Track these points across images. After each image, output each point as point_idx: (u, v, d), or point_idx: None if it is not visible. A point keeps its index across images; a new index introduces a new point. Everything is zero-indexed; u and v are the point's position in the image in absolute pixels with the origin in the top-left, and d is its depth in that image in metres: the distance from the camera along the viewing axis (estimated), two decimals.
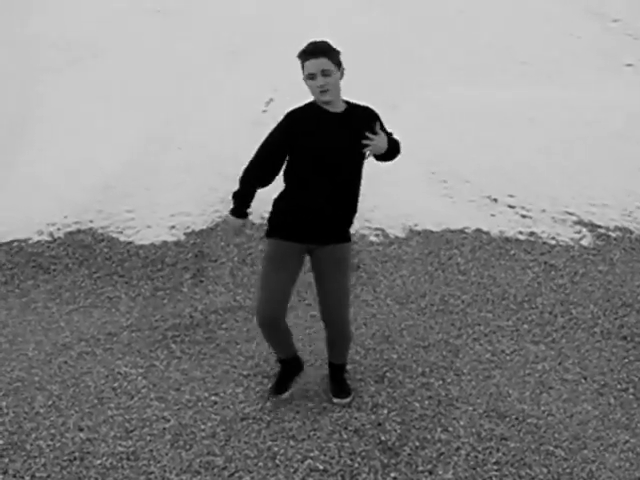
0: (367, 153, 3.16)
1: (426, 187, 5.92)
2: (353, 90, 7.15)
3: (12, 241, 5.32)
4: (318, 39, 3.09)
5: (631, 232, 5.42)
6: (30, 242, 5.28)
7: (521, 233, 5.39)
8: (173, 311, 4.56)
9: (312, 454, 3.11)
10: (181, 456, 3.08)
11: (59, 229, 5.40)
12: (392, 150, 3.28)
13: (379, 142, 3.10)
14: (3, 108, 6.72)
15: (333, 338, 3.45)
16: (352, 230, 5.31)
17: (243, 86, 7.01)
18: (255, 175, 3.19)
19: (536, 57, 7.85)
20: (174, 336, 4.23)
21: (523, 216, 5.57)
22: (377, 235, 5.36)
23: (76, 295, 4.82)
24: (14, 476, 2.94)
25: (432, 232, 5.40)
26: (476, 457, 3.13)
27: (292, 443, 3.19)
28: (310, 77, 3.03)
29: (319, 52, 3.00)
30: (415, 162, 6.11)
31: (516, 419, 3.42)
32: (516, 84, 7.29)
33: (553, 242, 5.29)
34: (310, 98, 3.17)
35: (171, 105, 6.68)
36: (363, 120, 3.14)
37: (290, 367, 3.53)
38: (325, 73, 3.01)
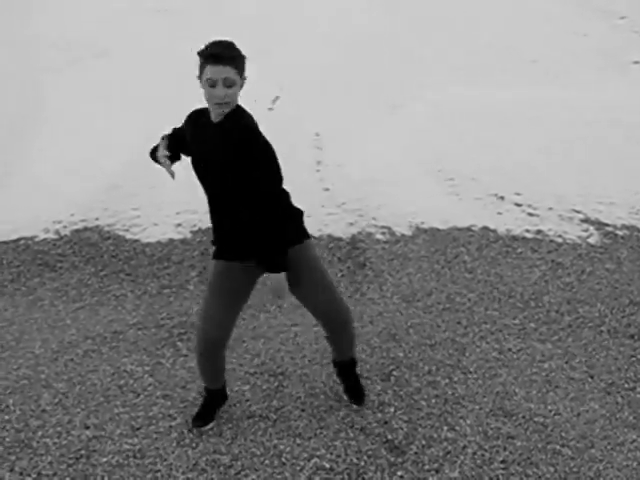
0: None
1: (432, 185, 5.91)
2: (354, 89, 7.17)
3: (18, 239, 5.33)
4: (225, 39, 2.72)
5: (638, 230, 5.39)
6: (36, 240, 5.29)
7: (528, 231, 5.37)
8: (179, 309, 4.56)
9: (318, 453, 3.10)
10: (187, 454, 3.09)
11: (65, 227, 5.41)
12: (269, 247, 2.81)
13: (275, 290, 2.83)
14: (4, 108, 6.73)
15: (330, 332, 3.20)
16: (358, 228, 5.37)
17: (246, 85, 7.01)
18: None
19: (537, 56, 7.83)
20: (180, 334, 4.23)
21: (530, 214, 5.55)
22: (383, 233, 5.35)
23: (82, 293, 4.82)
24: (20, 474, 2.95)
25: (438, 230, 5.38)
26: (482, 456, 3.12)
27: (298, 441, 3.18)
28: (210, 84, 2.64)
29: (227, 59, 2.62)
30: (419, 160, 6.10)
31: (523, 418, 3.41)
32: (517, 84, 7.27)
33: (560, 240, 5.27)
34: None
35: (173, 104, 6.67)
36: (237, 140, 2.71)
37: (216, 397, 3.32)
38: (228, 83, 2.64)
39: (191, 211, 5.53)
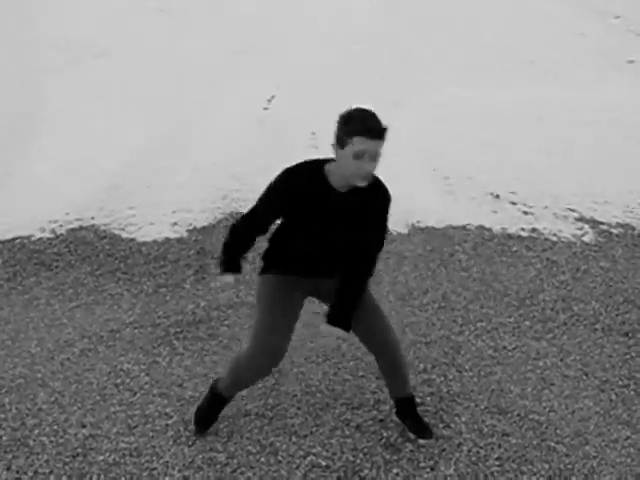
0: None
1: (428, 184, 5.93)
2: (354, 89, 7.19)
3: (14, 238, 5.33)
4: (368, 109, 2.61)
5: (633, 228, 5.42)
6: (32, 239, 5.29)
7: (523, 230, 5.39)
8: (175, 308, 4.56)
9: (314, 450, 3.12)
10: (183, 452, 3.10)
11: (61, 226, 5.41)
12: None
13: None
14: (4, 108, 6.73)
15: (387, 366, 3.11)
16: None
17: (245, 84, 7.02)
18: (244, 231, 2.94)
19: (537, 56, 7.87)
20: (176, 333, 4.24)
21: (525, 213, 5.57)
22: None
23: (78, 292, 4.82)
24: (17, 472, 2.96)
25: (434, 229, 5.40)
26: (478, 453, 3.14)
27: (294, 439, 3.20)
28: (357, 156, 2.55)
29: (382, 134, 2.56)
30: (417, 159, 6.12)
31: (518, 415, 3.43)
32: (516, 83, 7.30)
33: (555, 239, 5.30)
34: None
35: (172, 104, 6.69)
36: (369, 201, 2.76)
37: (222, 405, 3.25)
38: (374, 157, 2.57)
39: (187, 210, 5.54)
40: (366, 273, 2.86)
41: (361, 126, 2.53)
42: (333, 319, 2.86)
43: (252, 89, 6.99)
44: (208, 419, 3.24)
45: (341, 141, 2.59)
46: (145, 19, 8.08)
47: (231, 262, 2.95)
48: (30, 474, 2.94)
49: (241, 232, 2.93)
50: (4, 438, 3.18)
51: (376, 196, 2.77)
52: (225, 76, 7.18)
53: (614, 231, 5.39)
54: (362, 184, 2.61)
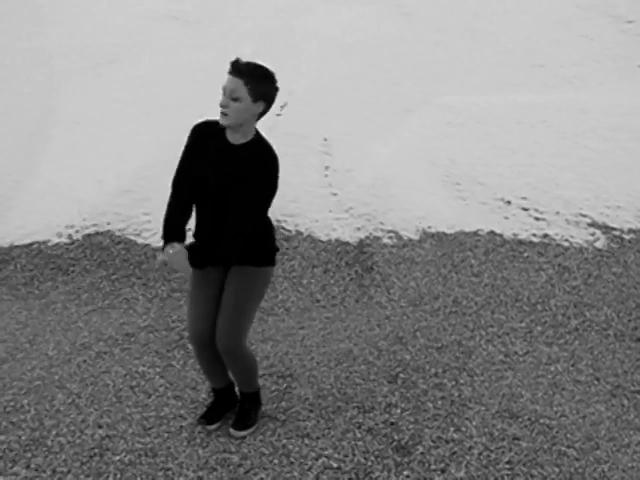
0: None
1: (440, 190, 5.96)
2: (363, 95, 7.22)
3: (32, 243, 5.41)
4: (259, 63, 2.76)
5: None
6: (49, 244, 5.37)
7: (535, 235, 5.41)
8: None
9: (326, 452, 3.16)
10: (198, 453, 3.14)
11: (77, 231, 5.49)
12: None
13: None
14: (21, 114, 6.84)
15: (226, 362, 3.13)
16: (365, 232, 5.42)
17: None
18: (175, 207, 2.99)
19: (548, 61, 7.87)
20: None
21: (537, 218, 5.59)
22: (391, 237, 5.40)
23: (94, 296, 4.90)
24: (36, 470, 3.02)
25: (445, 234, 5.43)
26: (488, 456, 3.16)
27: (307, 441, 3.24)
28: (223, 92, 2.73)
29: (238, 72, 2.69)
30: (428, 165, 6.15)
31: (529, 419, 3.45)
32: (527, 88, 7.31)
33: (567, 244, 5.31)
34: None
35: (187, 111, 6.76)
36: (252, 163, 2.83)
37: (223, 397, 3.35)
38: (233, 95, 2.69)
39: None
40: (249, 221, 2.85)
41: (231, 62, 2.73)
42: (193, 251, 2.92)
43: None
44: (210, 414, 3.33)
45: None
46: (159, 26, 8.17)
47: (173, 231, 2.97)
48: (48, 472, 2.99)
49: (174, 193, 2.98)
50: (23, 438, 3.24)
51: (261, 155, 2.82)
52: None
53: (626, 237, 5.40)
54: (221, 121, 2.74)
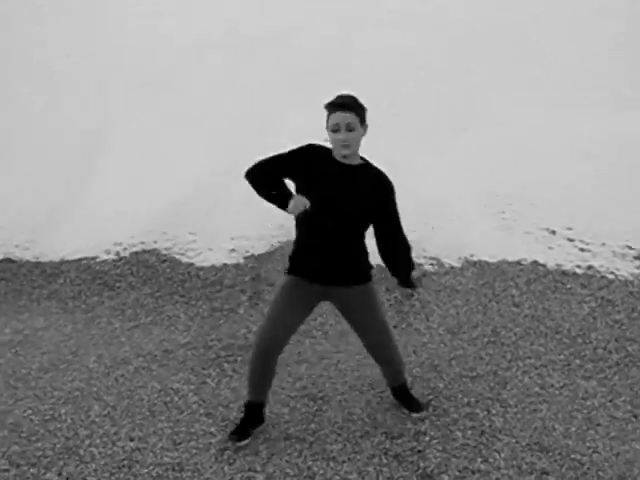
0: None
1: (484, 218, 5.93)
2: (414, 120, 7.23)
3: (81, 259, 5.61)
4: (346, 93, 3.14)
5: None
6: (97, 260, 5.56)
7: (579, 267, 5.32)
8: (229, 331, 4.71)
9: (350, 476, 3.16)
10: (224, 470, 3.19)
11: (125, 249, 5.67)
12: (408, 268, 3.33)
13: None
14: (79, 131, 7.11)
15: (384, 369, 3.61)
16: None
17: (306, 118, 7.20)
18: (261, 172, 3.21)
19: (602, 87, 7.75)
20: (227, 356, 4.38)
21: (582, 249, 5.50)
22: (432, 264, 5.40)
23: (138, 312, 5.04)
24: (67, 478, 3.12)
25: (488, 263, 5.39)
26: None
27: (332, 464, 3.25)
28: (334, 129, 3.04)
29: (347, 106, 3.03)
30: (474, 193, 6.13)
31: (559, 454, 3.38)
32: (580, 116, 7.22)
33: (611, 277, 5.20)
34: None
35: (235, 134, 6.92)
36: (373, 183, 3.15)
37: (254, 414, 3.46)
38: (349, 128, 3.02)
39: (245, 237, 5.71)
40: (403, 238, 3.29)
41: (329, 104, 3.07)
42: (404, 283, 3.34)
43: (314, 121, 7.16)
44: (241, 431, 3.42)
45: (326, 123, 3.09)
46: (215, 47, 8.36)
47: (280, 195, 3.17)
48: None
49: (263, 171, 3.21)
50: (57, 446, 3.35)
51: (378, 181, 3.16)
52: (288, 108, 7.38)
53: None
54: (344, 152, 3.04)
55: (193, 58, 8.24)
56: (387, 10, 8.92)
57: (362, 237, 3.25)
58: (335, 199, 3.11)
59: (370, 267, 3.34)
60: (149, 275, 5.40)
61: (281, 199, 3.15)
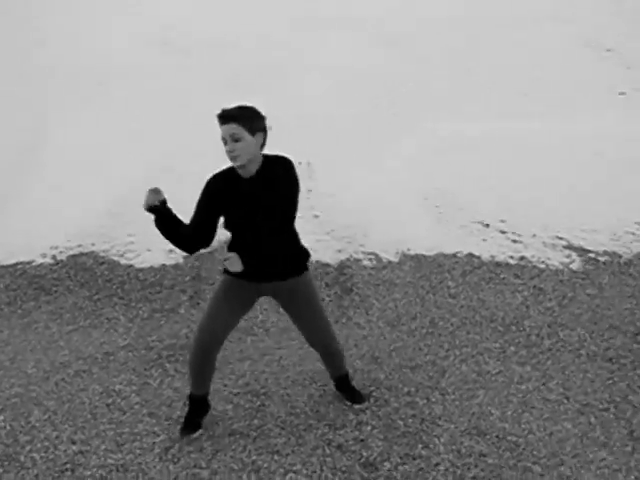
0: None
1: (420, 213, 6.06)
2: (346, 122, 7.34)
3: (16, 264, 5.48)
4: (235, 104, 3.10)
5: (620, 256, 5.52)
6: (33, 264, 5.45)
7: (512, 257, 5.50)
8: (170, 332, 4.69)
9: (295, 468, 3.21)
10: (169, 469, 3.20)
11: (61, 252, 5.57)
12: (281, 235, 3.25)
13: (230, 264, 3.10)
14: (14, 134, 6.95)
15: (326, 358, 3.64)
16: (346, 254, 5.51)
17: None
18: (196, 241, 3.21)
19: (530, 89, 8.05)
20: (169, 356, 4.36)
21: (514, 241, 5.69)
22: (370, 259, 5.49)
23: (76, 316, 4.96)
24: None
25: (424, 256, 5.52)
26: (454, 472, 3.22)
27: (276, 458, 3.29)
28: (223, 142, 3.04)
29: (229, 118, 3.01)
30: (409, 189, 6.26)
31: (496, 437, 3.51)
32: (507, 116, 7.48)
33: (543, 266, 5.40)
34: None
35: (171, 136, 6.89)
36: (276, 177, 3.13)
37: (200, 405, 3.55)
38: (234, 138, 3.00)
39: None
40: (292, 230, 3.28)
41: (217, 115, 3.04)
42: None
43: None
44: (190, 423, 3.51)
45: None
46: (148, 51, 8.32)
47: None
48: None
49: (192, 242, 3.22)
50: None
51: (277, 170, 3.14)
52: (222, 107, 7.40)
53: (601, 259, 5.49)
54: (235, 163, 3.02)
55: (125, 62, 8.15)
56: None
57: (291, 227, 3.25)
58: (253, 213, 3.12)
59: (305, 256, 3.37)
60: (87, 278, 5.32)
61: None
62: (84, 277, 5.32)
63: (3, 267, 5.45)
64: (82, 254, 5.55)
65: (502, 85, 8.30)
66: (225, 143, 3.03)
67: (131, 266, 5.44)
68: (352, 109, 7.57)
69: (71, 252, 5.58)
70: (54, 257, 5.52)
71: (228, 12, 9.82)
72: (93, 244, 5.65)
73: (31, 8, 9.12)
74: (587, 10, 10.14)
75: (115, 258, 5.51)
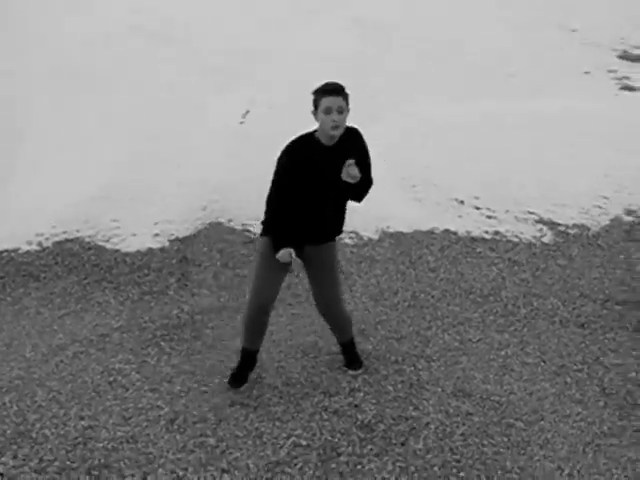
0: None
1: (398, 192, 6.27)
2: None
3: (1, 252, 5.54)
4: (331, 80, 3.46)
5: (588, 229, 5.81)
6: (20, 252, 5.51)
7: (487, 232, 5.75)
8: (161, 313, 4.82)
9: (296, 432, 3.41)
10: (176, 438, 3.37)
11: (47, 239, 5.64)
12: (361, 188, 3.62)
13: (349, 174, 3.41)
14: None
15: (334, 325, 3.94)
16: None
17: (224, 100, 7.33)
18: (286, 219, 3.55)
19: (504, 70, 8.30)
20: (163, 335, 4.51)
21: (488, 217, 5.94)
22: (352, 238, 5.69)
23: (67, 300, 5.06)
24: (23, 460, 3.21)
25: (403, 233, 5.74)
26: (444, 430, 3.46)
27: (277, 424, 3.49)
28: (326, 112, 3.34)
29: (339, 91, 3.37)
30: (387, 169, 6.46)
31: (480, 397, 3.76)
32: (480, 95, 7.72)
33: (516, 240, 5.66)
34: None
35: (155, 121, 6.97)
36: (350, 146, 3.50)
37: (250, 359, 3.88)
38: (340, 110, 3.36)
39: (168, 221, 5.80)
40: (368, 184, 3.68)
41: (320, 90, 3.39)
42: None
43: (232, 104, 7.31)
44: (239, 376, 3.86)
45: (315, 105, 3.41)
46: (130, 41, 8.34)
47: (284, 240, 3.55)
48: (35, 461, 3.19)
49: (282, 209, 3.56)
50: (8, 432, 3.42)
51: (353, 139, 3.55)
52: (207, 92, 7.50)
53: (571, 232, 5.78)
54: (335, 133, 3.37)
55: (100, 53, 8.18)
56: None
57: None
58: (328, 178, 3.46)
59: (343, 222, 3.73)
60: (75, 264, 5.41)
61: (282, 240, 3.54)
62: (72, 263, 5.41)
63: None
64: (67, 240, 5.63)
65: (474, 67, 8.55)
66: (327, 113, 3.32)
67: (117, 251, 5.54)
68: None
69: (56, 238, 5.66)
70: (40, 244, 5.59)
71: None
72: (78, 230, 5.73)
73: None
74: None
75: (101, 243, 5.61)
